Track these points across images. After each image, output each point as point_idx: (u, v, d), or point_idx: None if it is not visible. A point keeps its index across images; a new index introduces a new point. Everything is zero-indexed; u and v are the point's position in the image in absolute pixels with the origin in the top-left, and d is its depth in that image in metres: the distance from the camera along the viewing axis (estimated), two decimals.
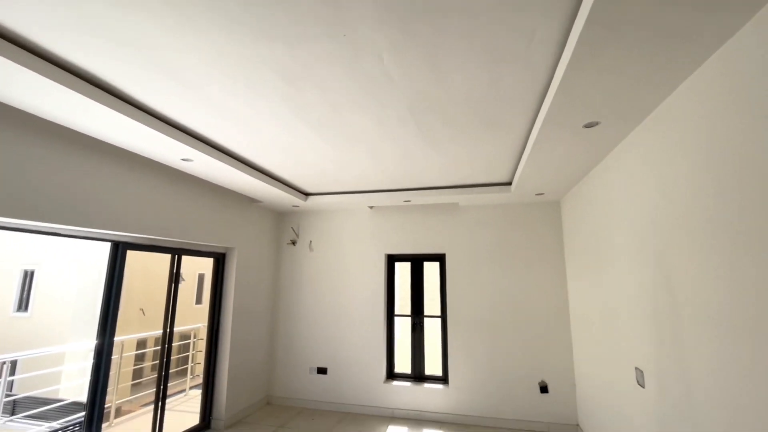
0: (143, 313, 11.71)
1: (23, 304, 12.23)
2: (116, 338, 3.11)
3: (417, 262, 4.94)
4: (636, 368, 2.47)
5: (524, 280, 4.36)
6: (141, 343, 9.77)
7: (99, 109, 2.17)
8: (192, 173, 3.46)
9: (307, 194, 4.55)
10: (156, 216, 3.24)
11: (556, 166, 3.03)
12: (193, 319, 6.70)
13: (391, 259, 4.98)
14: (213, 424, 4.02)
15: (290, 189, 4.22)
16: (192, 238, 3.65)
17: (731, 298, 1.54)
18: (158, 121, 2.49)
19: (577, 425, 3.95)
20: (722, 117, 1.55)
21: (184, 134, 2.71)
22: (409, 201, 4.49)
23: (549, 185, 3.66)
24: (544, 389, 4.12)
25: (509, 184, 4.02)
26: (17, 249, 12.07)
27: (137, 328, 9.98)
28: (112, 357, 3.07)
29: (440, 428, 4.11)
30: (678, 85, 1.81)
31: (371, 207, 4.96)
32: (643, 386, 2.38)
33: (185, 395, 5.13)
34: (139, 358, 10.15)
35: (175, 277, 3.68)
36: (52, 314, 11.01)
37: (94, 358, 2.94)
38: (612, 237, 2.83)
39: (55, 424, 5.04)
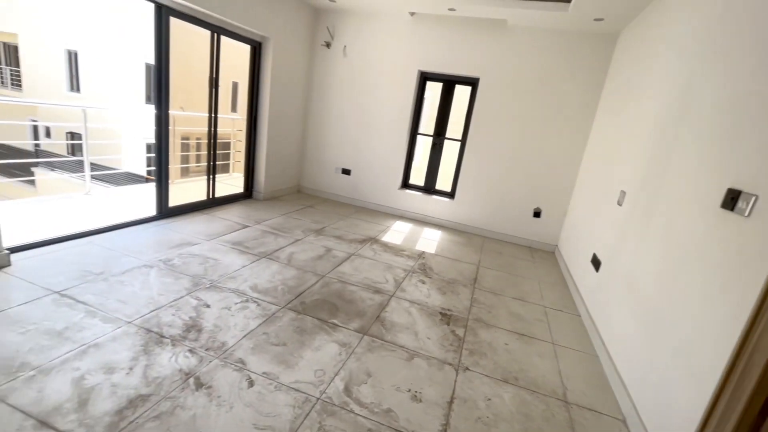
0: (182, 109, 12.41)
1: (74, 84, 12.92)
2: (174, 112, 3.50)
3: (449, 84, 4.88)
4: (621, 191, 2.78)
5: (551, 117, 4.38)
6: (183, 138, 10.74)
7: None
8: None
9: None
10: None
11: None
12: (230, 124, 7.07)
13: (424, 77, 4.92)
14: (254, 195, 4.87)
15: None
16: (232, 16, 3.64)
17: (733, 115, 1.65)
18: None
19: (556, 246, 4.64)
20: None
21: None
22: (453, 10, 4.13)
23: (613, 2, 3.26)
24: (537, 214, 4.67)
25: (568, 0, 3.59)
26: (57, 29, 11.99)
27: (179, 123, 10.78)
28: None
29: (440, 229, 4.89)
30: None
31: (412, 14, 4.60)
32: (621, 204, 2.74)
33: (230, 176, 6.01)
34: (184, 149, 11.31)
35: (216, 58, 3.84)
36: (101, 93, 11.74)
37: (155, 125, 3.41)
38: (652, 68, 2.72)
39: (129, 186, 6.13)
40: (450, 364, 2.14)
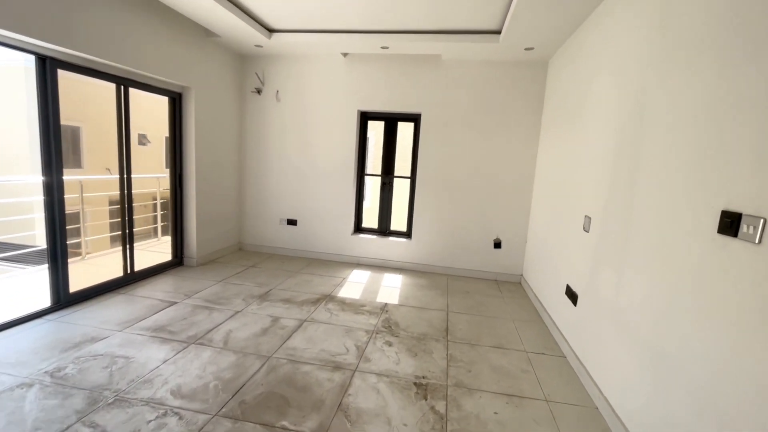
0: (110, 172, 11.34)
1: None
2: (78, 177, 2.93)
3: (391, 122, 4.73)
4: (585, 216, 2.61)
5: (496, 145, 4.32)
6: (114, 202, 9.66)
7: None
8: None
9: (271, 30, 3.97)
10: (89, 28, 2.74)
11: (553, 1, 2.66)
12: (155, 184, 6.41)
13: (365, 117, 4.73)
14: (186, 261, 4.23)
15: (248, 18, 3.63)
16: (140, 66, 3.21)
17: (707, 123, 1.50)
18: None
19: (521, 275, 4.44)
20: None
21: None
22: (387, 48, 4.03)
23: (541, 33, 3.29)
24: (497, 245, 4.49)
25: (498, 33, 3.61)
26: None
27: (106, 187, 9.75)
28: (76, 196, 2.93)
29: (401, 273, 4.53)
30: None
31: (345, 55, 4.46)
32: (587, 231, 2.56)
33: (158, 240, 5.29)
34: (114, 214, 10.17)
35: (125, 113, 3.35)
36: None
37: (44, 195, 2.79)
38: (591, 88, 2.68)
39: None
40: None
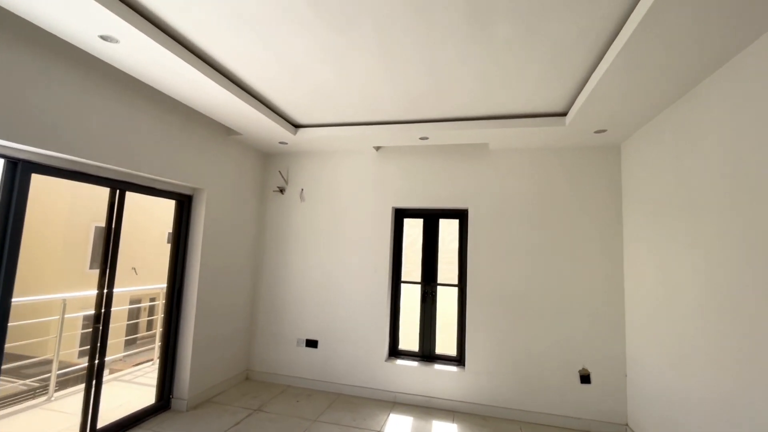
0: (135, 272, 11.06)
1: None
2: (59, 295, 2.26)
3: (431, 219, 4.01)
4: None
5: (566, 245, 3.45)
6: (134, 301, 9.11)
7: None
8: (129, 71, 2.45)
9: (297, 126, 3.58)
10: (79, 128, 2.30)
11: (650, 72, 2.02)
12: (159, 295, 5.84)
13: (400, 214, 4.06)
14: (173, 404, 3.24)
15: (274, 114, 3.24)
16: (141, 168, 2.74)
17: None
18: None
19: (626, 425, 3.14)
20: None
21: None
22: (426, 138, 3.50)
23: (622, 113, 2.66)
24: (585, 379, 3.30)
25: (562, 115, 3.02)
26: None
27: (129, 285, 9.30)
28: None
29: (454, 420, 3.32)
30: None
31: (377, 148, 3.99)
32: None
33: (152, 363, 4.39)
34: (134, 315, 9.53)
35: (116, 218, 2.79)
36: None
37: None
38: (736, 171, 1.86)
39: None
40: None
